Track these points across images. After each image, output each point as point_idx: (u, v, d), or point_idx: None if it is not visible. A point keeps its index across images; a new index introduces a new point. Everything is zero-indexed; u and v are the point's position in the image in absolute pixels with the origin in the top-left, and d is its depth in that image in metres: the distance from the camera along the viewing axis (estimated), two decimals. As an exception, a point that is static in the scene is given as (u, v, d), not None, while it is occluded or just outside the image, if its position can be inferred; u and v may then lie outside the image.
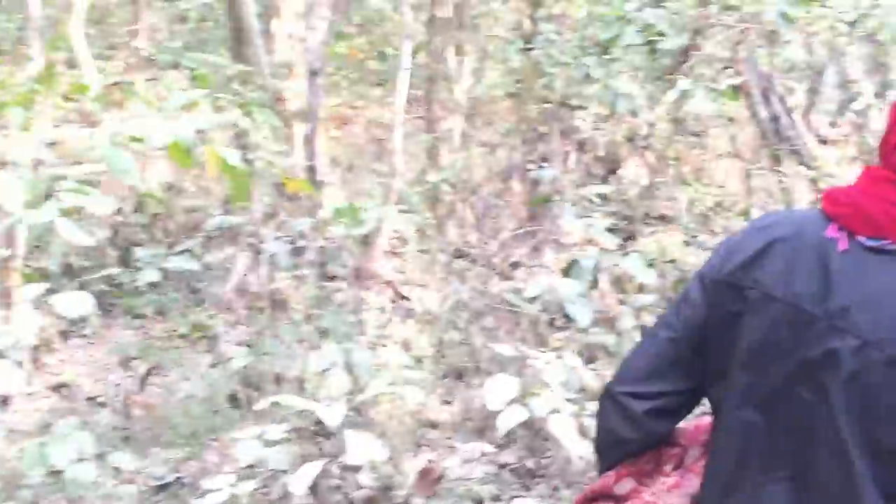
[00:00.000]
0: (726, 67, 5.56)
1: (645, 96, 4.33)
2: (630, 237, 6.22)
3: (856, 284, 1.18)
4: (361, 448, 3.22)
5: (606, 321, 4.65)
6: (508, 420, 3.51)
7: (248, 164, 3.76)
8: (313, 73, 5.47)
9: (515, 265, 4.72)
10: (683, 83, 4.08)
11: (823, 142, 8.59)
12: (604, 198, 5.87)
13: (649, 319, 4.80)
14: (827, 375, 1.18)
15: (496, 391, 3.62)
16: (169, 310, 4.42)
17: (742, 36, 5.49)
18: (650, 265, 6.00)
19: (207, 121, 3.91)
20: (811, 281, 1.21)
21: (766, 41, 4.79)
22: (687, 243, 7.54)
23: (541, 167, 4.61)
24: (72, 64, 5.69)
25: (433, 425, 4.57)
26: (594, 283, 4.63)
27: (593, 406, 3.83)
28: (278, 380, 3.85)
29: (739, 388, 1.26)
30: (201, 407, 4.18)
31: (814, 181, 7.15)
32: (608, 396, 1.44)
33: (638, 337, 4.82)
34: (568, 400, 3.88)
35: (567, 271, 4.57)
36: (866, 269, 1.18)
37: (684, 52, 4.54)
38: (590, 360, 5.55)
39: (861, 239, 1.20)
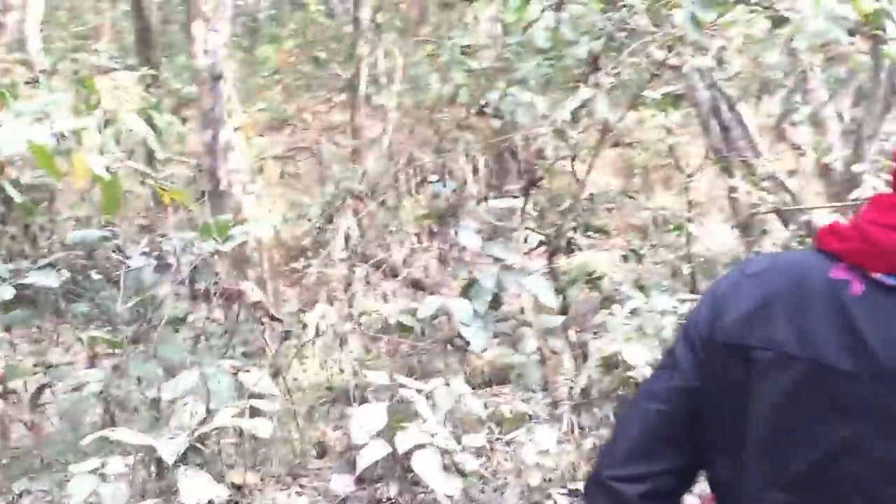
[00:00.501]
0: (654, 76, 5.32)
1: (548, 105, 4.07)
2: (555, 252, 5.97)
3: (887, 331, 1.02)
4: (196, 488, 2.94)
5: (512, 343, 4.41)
6: (370, 455, 3.25)
7: (113, 173, 3.46)
8: (215, 78, 5.20)
9: (417, 283, 4.46)
10: (584, 91, 3.83)
11: (800, 151, 8.31)
12: (533, 211, 5.63)
13: (557, 344, 4.55)
14: (884, 443, 1.02)
15: (362, 423, 3.36)
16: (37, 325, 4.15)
17: (672, 42, 5.23)
18: (572, 283, 5.76)
19: (65, 126, 3.64)
20: (833, 333, 1.05)
21: (694, 49, 4.54)
22: (626, 258, 7.32)
23: (439, 180, 4.36)
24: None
25: (323, 452, 4.31)
26: (496, 304, 4.37)
27: (472, 440, 3.58)
28: (136, 408, 3.58)
29: (761, 468, 1.10)
30: (65, 434, 3.90)
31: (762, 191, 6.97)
32: (596, 483, 1.24)
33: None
34: (451, 431, 3.64)
35: (466, 291, 4.32)
36: (894, 312, 1.03)
37: (594, 60, 4.29)
38: (501, 382, 5.31)
39: (880, 277, 1.04)
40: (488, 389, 4.70)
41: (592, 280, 5.68)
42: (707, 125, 7.94)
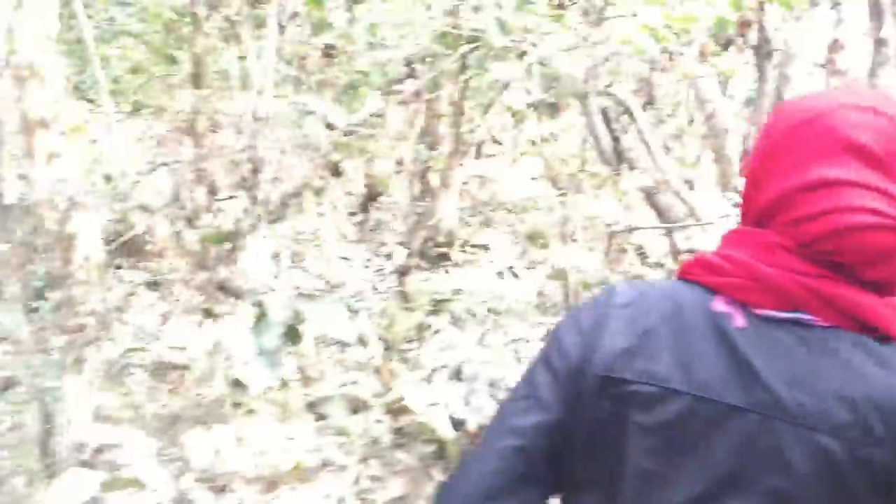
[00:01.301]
0: (507, 85, 4.94)
1: (343, 113, 3.62)
2: (406, 272, 5.52)
3: (778, 363, 1.01)
4: None
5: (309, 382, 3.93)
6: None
7: None
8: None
9: (209, 311, 3.97)
10: (373, 98, 3.40)
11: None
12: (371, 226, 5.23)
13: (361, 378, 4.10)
14: (771, 478, 0.99)
15: (67, 488, 2.87)
16: None
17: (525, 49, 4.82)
18: (417, 307, 5.32)
19: None
20: (720, 366, 1.02)
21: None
22: (501, 274, 6.91)
23: (231, 196, 3.89)
24: None
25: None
26: (294, 338, 3.89)
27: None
28: None
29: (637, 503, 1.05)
30: None
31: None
32: None
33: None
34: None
35: (257, 324, 3.84)
36: (784, 345, 1.01)
37: (410, 68, 3.85)
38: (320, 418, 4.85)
39: (763, 312, 1.03)
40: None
41: (440, 303, 5.24)
42: (595, 134, 7.52)
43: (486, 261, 7.14)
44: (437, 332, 4.18)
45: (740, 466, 1.01)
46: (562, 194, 6.60)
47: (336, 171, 4.28)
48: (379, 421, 3.53)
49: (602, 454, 1.07)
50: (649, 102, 8.10)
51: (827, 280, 1.01)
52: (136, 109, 6.89)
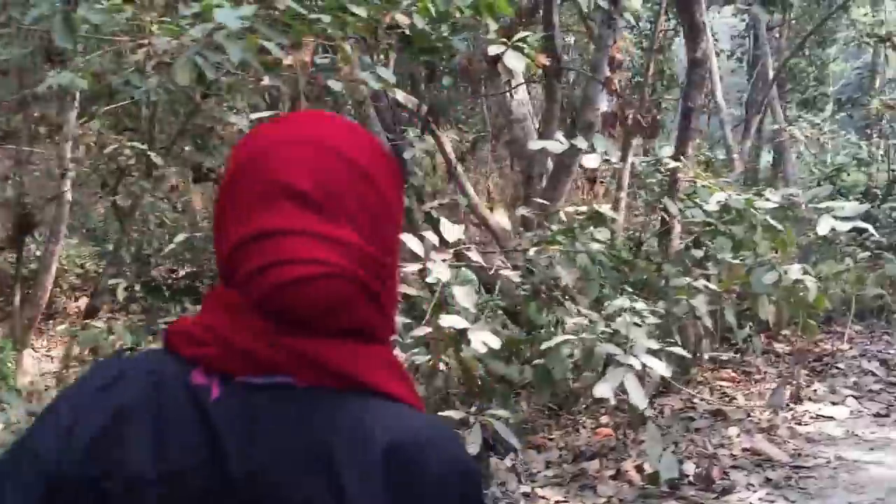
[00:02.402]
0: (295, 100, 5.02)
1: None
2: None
3: (249, 436, 0.92)
4: None
5: None
6: None
7: None
8: None
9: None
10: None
11: (592, 179, 8.29)
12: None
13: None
14: None
15: None
16: None
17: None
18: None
19: None
20: (193, 447, 0.93)
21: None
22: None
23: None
24: None
25: None
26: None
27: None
28: None
29: None
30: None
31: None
32: None
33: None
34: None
35: None
36: (259, 414, 0.93)
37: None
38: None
39: (243, 379, 0.94)
40: None
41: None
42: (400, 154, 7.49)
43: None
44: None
45: None
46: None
47: None
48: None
49: None
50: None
51: (295, 338, 0.93)
52: None
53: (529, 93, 9.49)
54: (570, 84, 10.79)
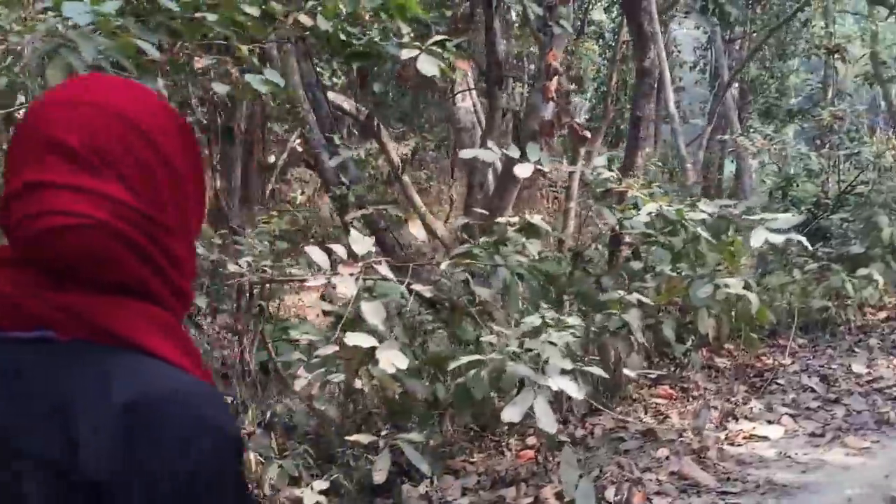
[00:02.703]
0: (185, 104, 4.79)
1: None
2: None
3: (10, 392, 0.93)
4: None
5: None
6: None
7: None
8: None
9: None
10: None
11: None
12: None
13: None
14: None
15: None
16: None
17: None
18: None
19: None
20: None
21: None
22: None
23: None
24: None
25: None
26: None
27: None
28: None
29: None
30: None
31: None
32: None
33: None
34: None
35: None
36: (23, 369, 0.94)
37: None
38: None
39: (12, 334, 0.95)
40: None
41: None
42: (319, 161, 7.22)
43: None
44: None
45: None
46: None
47: None
48: None
49: None
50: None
51: (58, 292, 0.95)
52: None
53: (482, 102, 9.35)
54: (520, 93, 10.61)
